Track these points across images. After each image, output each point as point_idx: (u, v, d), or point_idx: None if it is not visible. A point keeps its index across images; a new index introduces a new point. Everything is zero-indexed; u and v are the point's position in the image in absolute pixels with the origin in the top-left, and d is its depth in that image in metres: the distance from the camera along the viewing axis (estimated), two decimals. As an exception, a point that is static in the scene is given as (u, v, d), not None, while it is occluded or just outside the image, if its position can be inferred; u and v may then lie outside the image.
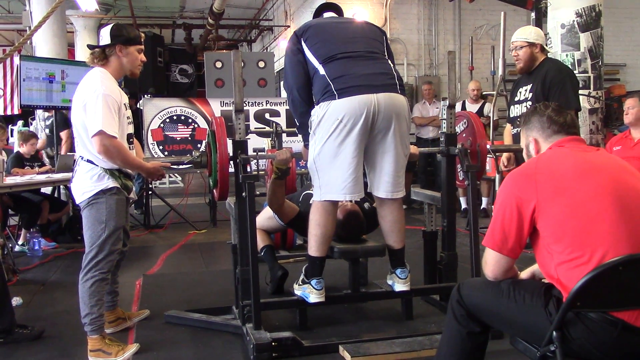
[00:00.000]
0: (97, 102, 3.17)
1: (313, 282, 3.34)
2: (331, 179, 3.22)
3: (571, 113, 2.42)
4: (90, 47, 3.44)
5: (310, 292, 3.36)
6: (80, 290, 3.29)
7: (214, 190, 3.59)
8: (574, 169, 2.15)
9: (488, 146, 3.82)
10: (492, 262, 2.23)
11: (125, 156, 3.29)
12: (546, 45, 4.55)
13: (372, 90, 3.15)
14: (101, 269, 3.28)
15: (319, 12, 3.71)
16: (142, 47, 3.49)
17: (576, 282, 1.92)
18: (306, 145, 3.40)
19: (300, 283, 3.44)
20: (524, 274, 2.38)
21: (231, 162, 3.42)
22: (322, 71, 3.23)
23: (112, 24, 3.48)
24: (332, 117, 3.14)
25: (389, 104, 3.19)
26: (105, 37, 3.37)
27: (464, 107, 8.06)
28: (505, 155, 4.57)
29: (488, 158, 7.33)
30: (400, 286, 3.48)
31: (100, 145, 3.16)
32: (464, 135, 3.90)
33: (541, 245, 2.13)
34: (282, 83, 3.25)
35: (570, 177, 2.11)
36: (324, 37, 3.34)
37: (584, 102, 5.83)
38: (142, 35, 3.55)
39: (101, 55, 3.37)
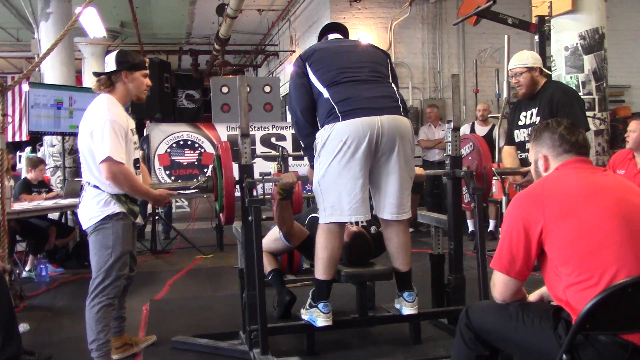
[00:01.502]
0: (104, 129, 3.19)
1: (320, 305, 3.33)
2: (336, 200, 3.22)
3: (583, 132, 2.40)
4: (96, 74, 3.48)
5: (317, 316, 3.34)
6: (87, 315, 3.28)
7: (221, 215, 3.60)
8: (581, 190, 2.14)
9: (494, 169, 3.82)
10: (500, 285, 2.22)
11: (133, 183, 3.30)
12: (546, 67, 4.57)
13: (375, 113, 3.17)
14: (108, 294, 3.28)
15: (324, 32, 3.73)
16: (147, 71, 3.53)
17: (585, 304, 1.90)
18: (312, 166, 3.42)
19: (308, 307, 3.42)
20: (533, 297, 2.37)
21: (237, 186, 3.43)
22: (326, 94, 3.26)
23: (116, 51, 3.52)
24: (336, 139, 3.16)
25: (392, 126, 3.20)
26: (110, 64, 3.40)
27: (473, 129, 8.07)
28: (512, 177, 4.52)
29: (494, 180, 7.34)
30: (408, 310, 3.46)
31: (108, 172, 3.18)
32: (469, 158, 3.90)
33: (549, 268, 2.12)
34: (287, 107, 3.28)
35: (577, 198, 2.11)
36: (328, 61, 3.36)
37: (589, 123, 5.83)
38: (147, 59, 3.59)
39: (107, 82, 3.40)
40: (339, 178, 3.19)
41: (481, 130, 8.04)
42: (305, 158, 3.61)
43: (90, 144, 3.25)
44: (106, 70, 3.42)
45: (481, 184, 3.71)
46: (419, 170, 3.66)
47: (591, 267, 2.00)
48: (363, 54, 3.48)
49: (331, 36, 3.69)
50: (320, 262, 3.33)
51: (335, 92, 3.24)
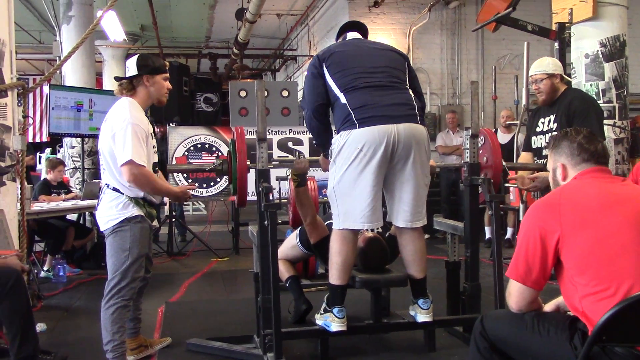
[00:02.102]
0: (126, 132, 3.23)
1: (335, 310, 3.33)
2: (350, 207, 3.24)
3: (602, 142, 2.37)
4: (117, 78, 3.52)
5: (332, 321, 3.34)
6: (103, 317, 3.31)
7: (235, 197, 3.66)
8: (599, 200, 2.12)
9: (504, 163, 3.82)
10: (516, 294, 2.21)
11: (154, 183, 3.36)
12: (566, 74, 4.52)
13: (392, 121, 3.17)
14: (123, 296, 3.31)
15: (342, 30, 3.72)
16: (168, 75, 3.56)
17: (601, 315, 1.88)
18: (325, 155, 3.51)
19: (322, 312, 3.43)
20: (549, 307, 2.35)
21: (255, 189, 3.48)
22: (343, 100, 3.26)
23: (137, 55, 3.56)
24: (352, 145, 3.16)
25: (409, 133, 3.20)
26: (132, 68, 3.44)
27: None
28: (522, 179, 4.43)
29: (512, 188, 7.26)
30: (422, 317, 3.44)
31: (130, 174, 3.22)
32: (480, 151, 3.89)
33: (565, 277, 2.10)
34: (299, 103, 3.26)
35: (594, 208, 2.09)
36: (346, 65, 3.35)
37: (609, 132, 5.77)
38: (167, 63, 3.62)
39: (129, 86, 3.45)
40: (354, 185, 3.20)
41: (504, 137, 7.99)
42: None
43: (112, 147, 3.29)
44: (127, 75, 3.47)
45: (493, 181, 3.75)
46: (431, 162, 3.64)
47: (608, 278, 1.97)
48: (381, 57, 3.45)
49: (350, 35, 3.67)
50: (334, 267, 3.33)
51: (352, 98, 3.24)
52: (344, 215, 3.26)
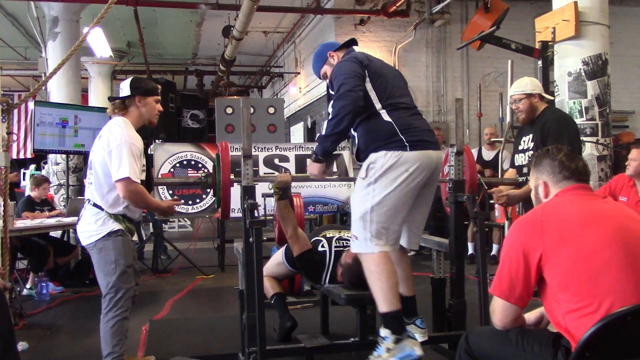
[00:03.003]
0: (123, 150, 3.36)
1: (413, 325, 3.27)
2: (384, 229, 3.09)
3: (583, 159, 2.40)
4: (110, 98, 3.68)
5: (410, 347, 3.05)
6: (103, 330, 3.38)
7: (219, 210, 3.67)
8: (580, 217, 2.14)
9: (480, 177, 3.90)
10: (499, 311, 2.21)
11: (147, 199, 3.51)
12: (549, 92, 4.56)
13: (432, 147, 3.20)
14: (122, 307, 3.40)
15: (347, 45, 3.49)
16: (159, 97, 3.68)
17: (584, 331, 1.90)
18: (317, 160, 3.20)
19: (390, 348, 3.08)
20: (532, 315, 2.35)
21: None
22: (386, 117, 3.15)
23: (131, 77, 3.67)
24: (402, 168, 3.07)
25: (440, 162, 3.28)
26: (125, 89, 3.57)
27: (480, 154, 8.10)
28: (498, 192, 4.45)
29: (497, 204, 7.30)
30: (421, 336, 3.30)
31: (126, 191, 3.34)
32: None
33: (548, 294, 2.11)
34: (330, 105, 2.93)
35: (576, 225, 2.11)
36: (384, 79, 3.23)
37: (592, 149, 5.83)
38: (159, 86, 3.73)
39: (121, 106, 3.58)
40: (397, 207, 3.10)
41: (488, 154, 8.06)
42: (308, 160, 3.51)
43: (108, 162, 3.39)
44: (121, 95, 3.59)
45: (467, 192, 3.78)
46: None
47: (590, 294, 1.99)
48: (402, 80, 3.41)
49: (357, 49, 3.47)
50: (382, 293, 3.08)
51: (397, 117, 3.15)
52: (376, 237, 3.08)
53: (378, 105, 3.16)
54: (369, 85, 3.17)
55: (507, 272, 2.16)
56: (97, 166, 3.46)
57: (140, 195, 3.43)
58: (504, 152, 8.04)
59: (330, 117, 3.11)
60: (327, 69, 3.45)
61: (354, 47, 3.46)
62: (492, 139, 8.19)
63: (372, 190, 3.10)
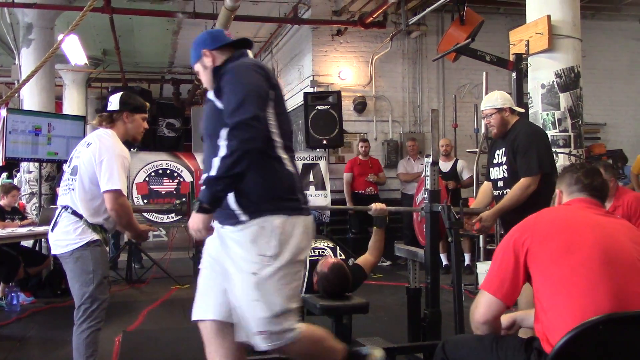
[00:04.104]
0: (115, 161, 3.34)
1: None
2: None
3: (604, 178, 2.50)
4: (98, 111, 3.59)
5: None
6: (76, 341, 3.32)
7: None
8: (570, 220, 2.23)
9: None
10: (484, 306, 2.23)
11: (132, 215, 3.48)
12: (523, 104, 4.60)
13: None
14: (96, 318, 3.36)
15: (241, 45, 2.71)
16: (147, 115, 3.68)
17: (556, 332, 1.95)
18: (203, 210, 2.41)
19: None
20: (504, 319, 2.38)
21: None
22: (289, 166, 2.53)
23: (122, 92, 3.67)
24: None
25: None
26: (114, 103, 3.55)
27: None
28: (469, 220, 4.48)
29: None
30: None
31: (115, 203, 3.31)
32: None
33: (534, 291, 2.16)
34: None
35: (565, 225, 2.19)
36: (286, 110, 2.63)
37: (564, 160, 5.91)
38: (147, 104, 3.74)
39: (108, 118, 3.55)
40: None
41: (445, 166, 8.13)
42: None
43: (97, 172, 3.34)
44: (109, 109, 3.57)
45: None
46: (381, 205, 3.81)
47: (565, 292, 2.04)
48: None
49: (249, 53, 2.72)
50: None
51: (294, 167, 2.58)
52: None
53: (279, 144, 2.48)
54: (271, 113, 2.44)
55: (498, 267, 2.23)
56: (83, 173, 3.39)
57: (126, 210, 3.40)
58: (460, 162, 8.26)
59: (224, 153, 2.31)
60: (200, 69, 2.75)
61: (247, 50, 2.69)
62: (468, 150, 8.28)
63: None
